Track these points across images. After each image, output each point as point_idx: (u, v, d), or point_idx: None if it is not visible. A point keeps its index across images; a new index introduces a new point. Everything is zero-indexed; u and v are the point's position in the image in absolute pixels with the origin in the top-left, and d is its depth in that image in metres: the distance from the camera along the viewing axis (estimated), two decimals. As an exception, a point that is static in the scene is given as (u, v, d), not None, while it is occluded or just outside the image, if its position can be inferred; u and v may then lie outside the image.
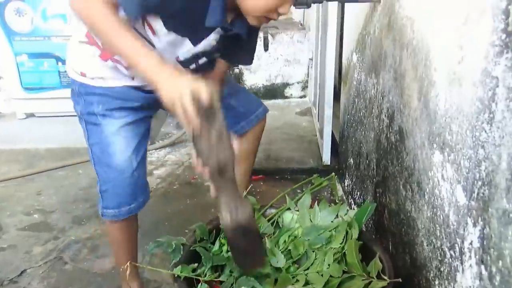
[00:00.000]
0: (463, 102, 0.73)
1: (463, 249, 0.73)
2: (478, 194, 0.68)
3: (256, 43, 1.18)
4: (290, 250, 1.17)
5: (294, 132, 2.69)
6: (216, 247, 1.12)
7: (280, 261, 1.11)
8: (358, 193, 1.55)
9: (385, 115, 1.21)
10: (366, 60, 1.44)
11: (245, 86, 3.35)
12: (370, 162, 1.38)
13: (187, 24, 0.96)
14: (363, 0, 1.28)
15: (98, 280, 1.53)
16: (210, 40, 1.01)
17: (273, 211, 1.30)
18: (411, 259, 0.99)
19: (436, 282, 0.85)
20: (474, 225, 0.70)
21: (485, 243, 0.66)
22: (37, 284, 1.51)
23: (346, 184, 1.79)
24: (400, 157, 1.07)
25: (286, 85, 3.37)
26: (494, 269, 0.64)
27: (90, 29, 0.96)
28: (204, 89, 0.81)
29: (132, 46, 0.85)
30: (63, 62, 2.70)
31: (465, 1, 0.72)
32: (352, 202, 1.65)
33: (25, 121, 2.85)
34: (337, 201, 1.77)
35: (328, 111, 1.94)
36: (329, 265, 1.09)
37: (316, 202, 1.28)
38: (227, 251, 1.10)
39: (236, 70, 3.35)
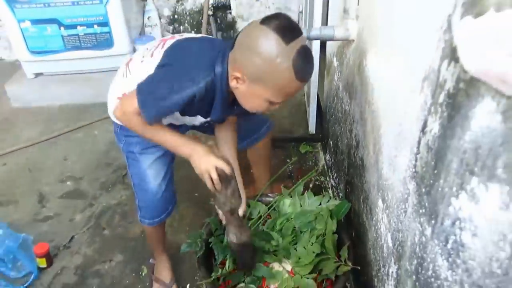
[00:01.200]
0: (395, 182, 1.08)
1: (389, 272, 1.14)
2: (397, 247, 1.07)
3: None
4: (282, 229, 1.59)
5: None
6: (225, 238, 1.53)
7: (278, 240, 1.53)
8: (335, 174, 1.93)
9: (354, 137, 1.53)
10: (343, 74, 1.70)
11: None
12: (343, 161, 1.73)
13: (197, 113, 1.27)
14: (338, 39, 1.51)
15: (132, 244, 1.97)
16: None
17: (270, 199, 1.70)
18: (364, 254, 1.41)
19: (375, 280, 1.28)
20: (394, 263, 1.09)
21: (398, 278, 1.07)
22: (85, 248, 1.96)
23: (327, 158, 2.16)
24: (362, 178, 1.43)
25: (277, 31, 3.52)
26: (401, 295, 1.05)
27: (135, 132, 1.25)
28: (224, 164, 1.16)
29: (170, 140, 1.20)
30: (66, 26, 2.85)
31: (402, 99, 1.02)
32: (331, 177, 2.03)
33: (35, 80, 3.07)
34: (319, 170, 2.17)
35: (314, 91, 2.22)
36: (312, 243, 1.51)
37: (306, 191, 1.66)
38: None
39: (229, 18, 3.48)
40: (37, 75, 3.08)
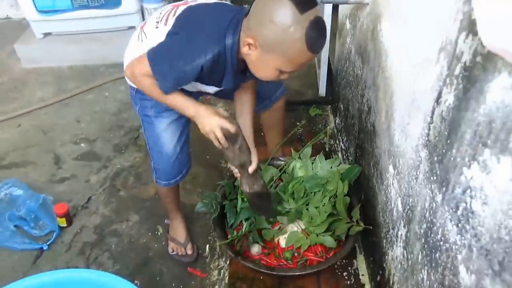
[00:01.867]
0: (406, 149, 1.11)
1: (398, 234, 1.20)
2: (407, 211, 1.11)
3: None
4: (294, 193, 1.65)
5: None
6: (239, 202, 1.59)
7: (290, 204, 1.59)
8: (345, 137, 1.96)
9: (366, 102, 1.55)
10: (356, 37, 1.69)
11: None
12: (354, 125, 1.75)
13: (210, 83, 1.29)
14: (352, 2, 1.49)
15: (147, 204, 2.05)
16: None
17: (282, 162, 1.74)
18: (373, 216, 1.46)
19: (384, 241, 1.34)
20: (404, 226, 1.14)
21: (407, 240, 1.12)
22: (103, 209, 2.03)
23: (337, 122, 2.18)
24: (373, 143, 1.46)
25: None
26: (409, 256, 1.11)
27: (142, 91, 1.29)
28: (228, 123, 1.21)
29: (176, 101, 1.24)
30: (72, -15, 2.80)
31: (419, 63, 1.04)
32: (341, 140, 2.06)
33: (44, 40, 3.05)
34: (330, 134, 2.19)
35: (324, 55, 2.21)
36: (324, 204, 1.57)
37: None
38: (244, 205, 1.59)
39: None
40: (46, 35, 3.06)
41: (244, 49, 1.12)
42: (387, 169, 1.29)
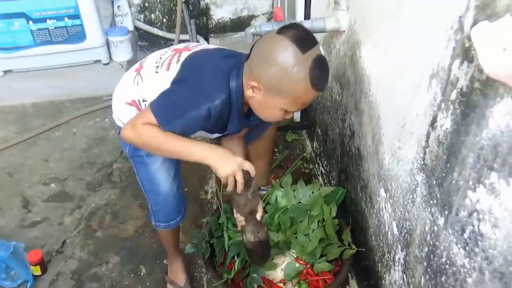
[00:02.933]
0: (399, 173, 1.12)
1: (395, 258, 1.19)
2: (404, 235, 1.12)
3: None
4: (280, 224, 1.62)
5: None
6: (226, 239, 1.54)
7: (278, 236, 1.56)
8: (325, 162, 1.97)
9: (347, 126, 1.57)
10: (332, 64, 1.72)
11: (212, 20, 3.47)
12: (335, 149, 1.77)
13: (214, 130, 1.26)
14: (329, 30, 1.52)
15: (127, 244, 1.96)
16: None
17: (264, 192, 1.72)
18: (365, 240, 1.46)
19: (379, 265, 1.33)
20: (401, 250, 1.14)
21: (406, 264, 1.12)
22: (79, 252, 1.92)
23: (315, 146, 2.19)
24: (359, 167, 1.47)
25: (252, 17, 3.50)
26: (409, 280, 1.11)
27: (145, 149, 1.21)
28: (247, 164, 1.15)
29: (185, 146, 1.12)
30: (34, 20, 2.72)
31: (410, 88, 1.06)
32: (320, 164, 2.07)
33: (4, 78, 2.93)
34: (307, 159, 2.21)
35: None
36: (313, 230, 1.55)
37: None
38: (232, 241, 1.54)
39: (202, 4, 3.42)
40: (6, 72, 2.94)
41: (248, 92, 1.11)
42: (377, 192, 1.29)
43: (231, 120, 1.20)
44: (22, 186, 2.27)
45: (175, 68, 1.17)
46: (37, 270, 1.78)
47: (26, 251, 1.81)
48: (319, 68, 1.05)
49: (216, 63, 1.16)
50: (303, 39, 1.03)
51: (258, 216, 1.30)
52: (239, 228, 1.38)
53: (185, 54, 1.21)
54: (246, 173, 1.15)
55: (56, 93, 2.96)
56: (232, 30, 3.51)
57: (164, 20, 3.49)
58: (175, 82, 1.15)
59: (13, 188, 2.25)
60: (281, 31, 1.04)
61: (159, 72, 1.22)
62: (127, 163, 2.40)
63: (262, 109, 1.15)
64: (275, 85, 1.06)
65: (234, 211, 1.33)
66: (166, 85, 1.15)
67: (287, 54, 1.01)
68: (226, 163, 1.12)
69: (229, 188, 1.16)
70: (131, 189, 2.20)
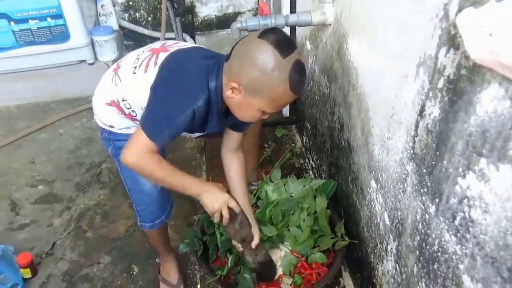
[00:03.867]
0: (389, 163, 1.12)
1: (387, 248, 1.20)
2: (396, 225, 1.12)
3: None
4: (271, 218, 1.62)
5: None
6: (218, 236, 1.53)
7: (271, 231, 1.56)
8: (315, 156, 1.97)
9: (336, 119, 1.57)
10: (319, 57, 1.73)
11: (198, 18, 3.44)
12: (325, 143, 1.77)
13: (195, 130, 1.26)
14: (315, 24, 1.52)
15: (118, 244, 1.94)
16: None
17: (254, 187, 1.72)
18: (357, 232, 1.47)
19: (371, 256, 1.34)
20: (394, 240, 1.15)
21: (398, 254, 1.13)
22: (70, 253, 1.90)
23: (304, 140, 2.20)
24: (349, 159, 1.47)
25: (237, 14, 3.48)
26: (402, 269, 1.11)
27: (144, 177, 1.22)
28: (232, 201, 1.20)
29: (181, 181, 1.17)
30: (16, 21, 2.68)
31: (396, 77, 1.06)
32: (311, 159, 2.08)
33: (-13, 79, 2.88)
34: (297, 153, 2.21)
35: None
36: (304, 220, 1.56)
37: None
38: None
39: (187, 2, 3.39)
40: (-11, 74, 2.89)
41: (228, 93, 1.11)
42: (368, 184, 1.30)
43: (211, 120, 1.20)
44: (9, 189, 2.23)
45: (153, 71, 1.17)
46: (27, 273, 1.76)
47: (15, 254, 1.78)
48: (299, 72, 1.06)
49: (195, 64, 1.16)
50: (284, 43, 1.04)
51: (253, 244, 1.34)
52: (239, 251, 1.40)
53: (162, 56, 1.19)
54: (231, 209, 1.21)
55: (41, 94, 2.91)
56: (218, 27, 3.49)
57: (149, 18, 3.46)
58: (155, 89, 1.14)
59: (0, 191, 2.21)
60: (262, 35, 1.06)
61: (136, 73, 1.21)
62: (115, 163, 2.37)
63: (241, 109, 1.16)
64: (255, 87, 1.07)
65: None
66: (144, 86, 1.15)
67: (268, 58, 1.03)
68: (214, 200, 1.18)
69: (216, 220, 1.22)
70: (121, 188, 2.18)
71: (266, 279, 1.46)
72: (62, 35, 2.78)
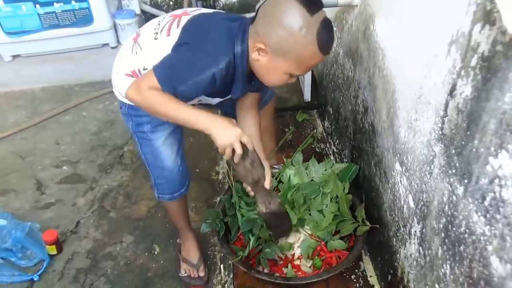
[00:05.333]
0: (416, 145, 1.11)
1: (411, 231, 1.19)
2: (421, 207, 1.11)
3: None
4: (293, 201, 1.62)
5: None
6: (239, 217, 1.54)
7: (293, 217, 1.56)
8: (337, 140, 1.96)
9: (360, 103, 1.55)
10: (344, 40, 1.70)
11: (219, 2, 3.43)
12: (347, 127, 1.76)
13: (216, 94, 1.25)
14: (341, 5, 1.50)
15: (140, 224, 1.97)
16: None
17: (276, 170, 1.72)
18: (379, 216, 1.46)
19: (394, 240, 1.33)
20: (418, 223, 1.14)
21: (422, 236, 1.12)
22: (94, 232, 1.95)
23: (326, 125, 2.18)
24: (372, 143, 1.46)
25: (259, -2, 3.46)
26: (426, 252, 1.10)
27: (150, 113, 1.18)
28: (245, 136, 1.12)
29: (187, 113, 1.10)
30: (41, 4, 2.72)
31: (425, 58, 1.04)
32: (332, 143, 2.06)
33: (13, 62, 2.94)
34: (319, 138, 2.20)
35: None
36: (326, 205, 1.55)
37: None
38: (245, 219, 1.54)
39: (209, -13, 3.38)
40: (14, 57, 2.95)
41: (254, 55, 1.09)
42: (392, 167, 1.29)
43: (236, 83, 1.17)
44: (34, 169, 2.29)
45: (176, 33, 1.14)
46: (52, 250, 1.80)
47: (41, 232, 1.83)
48: (327, 31, 1.03)
49: (220, 26, 1.13)
50: (311, 1, 1.01)
51: (266, 184, 1.27)
52: (250, 195, 1.38)
53: (184, 19, 1.17)
54: (243, 145, 1.13)
55: (65, 77, 2.96)
56: (240, 11, 3.47)
57: (171, 3, 3.46)
58: (177, 46, 1.12)
59: (26, 171, 2.27)
60: None
61: (158, 39, 1.19)
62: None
63: (267, 72, 1.12)
64: (283, 47, 1.04)
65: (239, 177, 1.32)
66: (167, 51, 1.13)
67: (295, 16, 1.00)
68: (226, 134, 1.09)
69: (226, 157, 1.14)
70: (143, 170, 2.21)
71: (279, 234, 1.43)
72: (85, 18, 2.82)
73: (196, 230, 1.87)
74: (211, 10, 1.27)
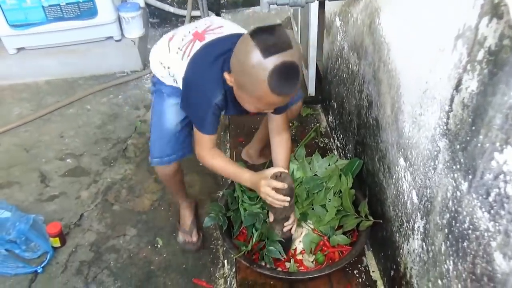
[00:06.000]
0: (420, 140, 1.10)
1: (414, 227, 1.19)
2: (424, 203, 1.10)
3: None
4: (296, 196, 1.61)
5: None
6: (242, 211, 1.54)
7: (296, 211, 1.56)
8: (341, 135, 1.95)
9: (365, 97, 1.54)
10: (348, 34, 1.69)
11: (224, -2, 3.43)
12: (351, 121, 1.75)
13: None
14: (348, -2, 1.49)
15: (143, 217, 1.98)
16: None
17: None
18: (382, 212, 1.45)
19: (397, 235, 1.33)
20: (421, 218, 1.13)
21: (425, 232, 1.11)
22: (97, 225, 1.95)
23: (330, 120, 2.17)
24: (376, 138, 1.45)
25: (263, -8, 3.44)
26: (429, 247, 1.10)
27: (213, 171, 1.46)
28: (275, 181, 1.27)
29: (239, 176, 1.39)
30: (45, -4, 2.71)
31: (430, 54, 1.03)
32: (336, 138, 2.05)
33: (17, 55, 2.93)
34: (322, 133, 2.19)
35: (313, 53, 2.20)
36: (330, 199, 1.55)
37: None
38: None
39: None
40: (19, 50, 2.94)
41: (230, 84, 1.22)
42: (396, 162, 1.28)
43: (229, 106, 1.33)
44: (38, 161, 2.30)
45: (186, 61, 1.34)
46: (56, 242, 1.81)
47: (45, 224, 1.84)
48: (280, 75, 1.06)
49: (211, 67, 1.27)
50: (270, 43, 1.05)
51: (292, 230, 1.43)
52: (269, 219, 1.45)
53: (196, 46, 1.34)
54: (288, 189, 1.28)
55: (69, 70, 2.96)
56: (244, 5, 3.46)
57: (176, -2, 3.45)
58: (183, 83, 1.35)
59: (30, 163, 2.28)
60: (253, 33, 1.09)
61: (178, 54, 1.38)
62: (141, 139, 2.41)
63: (242, 100, 1.23)
64: (240, 82, 1.14)
65: (270, 214, 1.43)
66: (182, 70, 1.34)
67: (249, 55, 1.06)
68: (258, 189, 1.32)
69: (277, 204, 1.30)
70: (146, 164, 2.21)
71: (286, 249, 1.49)
72: (90, 11, 2.80)
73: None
74: (225, 32, 1.38)
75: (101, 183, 2.16)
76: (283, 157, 1.47)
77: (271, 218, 1.42)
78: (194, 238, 1.80)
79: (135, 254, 1.82)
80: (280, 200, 1.28)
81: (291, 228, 1.43)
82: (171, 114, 1.52)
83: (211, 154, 1.39)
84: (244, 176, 1.37)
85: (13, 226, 1.79)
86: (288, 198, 1.29)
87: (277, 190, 1.27)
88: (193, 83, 1.33)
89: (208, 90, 1.29)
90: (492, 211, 0.81)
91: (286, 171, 1.34)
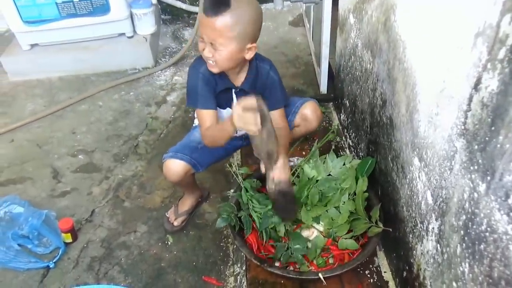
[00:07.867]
0: (436, 140, 1.08)
1: (429, 228, 1.17)
2: (440, 204, 1.08)
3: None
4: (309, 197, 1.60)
5: (290, 52, 2.92)
6: (254, 214, 1.54)
7: (307, 216, 1.54)
8: (353, 134, 1.93)
9: (379, 96, 1.52)
10: (363, 31, 1.67)
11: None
12: (364, 120, 1.73)
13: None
14: (363, -5, 1.46)
15: (154, 214, 1.98)
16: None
17: (292, 164, 1.71)
18: (395, 212, 1.43)
19: (410, 236, 1.31)
20: (436, 219, 1.11)
21: (440, 233, 1.09)
22: (108, 221, 1.96)
23: (342, 118, 2.15)
24: (390, 137, 1.43)
25: (276, -12, 3.41)
26: (443, 249, 1.08)
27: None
28: (244, 99, 1.23)
29: (224, 127, 1.38)
30: (59, -7, 2.72)
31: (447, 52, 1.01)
32: (348, 137, 2.03)
33: (31, 51, 2.95)
34: (334, 131, 2.17)
35: (325, 51, 2.18)
36: (344, 202, 1.54)
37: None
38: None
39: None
40: (32, 46, 2.97)
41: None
42: (410, 162, 1.26)
43: (217, 80, 1.49)
44: (51, 157, 2.31)
45: None
46: (68, 238, 1.82)
47: (57, 219, 1.85)
48: None
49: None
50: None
51: (279, 163, 1.37)
52: (262, 170, 1.48)
53: None
54: (259, 107, 1.19)
55: (82, 66, 2.98)
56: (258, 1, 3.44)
57: (189, -9, 3.44)
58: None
59: (43, 159, 2.29)
60: None
61: None
62: (152, 136, 2.42)
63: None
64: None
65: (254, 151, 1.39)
66: None
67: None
68: (241, 117, 1.26)
69: (252, 128, 1.22)
70: (157, 161, 2.22)
71: (284, 215, 1.48)
72: (102, 7, 2.81)
73: (210, 222, 1.88)
74: None
75: (112, 179, 2.17)
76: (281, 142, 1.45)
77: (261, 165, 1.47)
78: (176, 223, 1.87)
79: (145, 250, 1.82)
80: (250, 119, 1.21)
81: (289, 183, 1.41)
82: (198, 133, 1.63)
83: (210, 128, 1.49)
84: (227, 122, 1.35)
85: (26, 221, 1.80)
86: (258, 118, 1.20)
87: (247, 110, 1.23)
88: (189, 71, 1.51)
89: (196, 63, 1.49)
90: (511, 214, 0.79)
91: (255, 98, 1.23)
